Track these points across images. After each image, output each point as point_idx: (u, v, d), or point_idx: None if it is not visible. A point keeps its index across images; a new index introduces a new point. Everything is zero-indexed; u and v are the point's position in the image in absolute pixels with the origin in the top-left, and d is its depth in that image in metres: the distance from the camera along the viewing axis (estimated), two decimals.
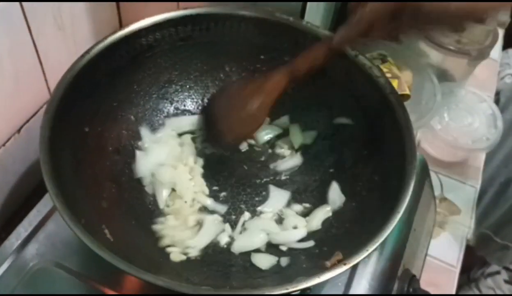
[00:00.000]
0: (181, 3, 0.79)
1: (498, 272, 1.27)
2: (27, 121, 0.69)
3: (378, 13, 0.52)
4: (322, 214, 0.62)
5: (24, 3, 0.61)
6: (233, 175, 0.67)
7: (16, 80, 0.64)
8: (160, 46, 0.66)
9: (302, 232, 0.60)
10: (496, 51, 1.12)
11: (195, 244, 0.59)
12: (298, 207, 0.65)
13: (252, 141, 0.70)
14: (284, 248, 0.59)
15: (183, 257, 0.58)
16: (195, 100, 0.72)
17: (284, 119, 0.71)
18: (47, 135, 0.52)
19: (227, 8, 0.67)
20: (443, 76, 0.91)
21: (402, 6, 0.50)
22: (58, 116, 0.54)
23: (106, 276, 0.56)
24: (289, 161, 0.69)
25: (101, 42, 0.60)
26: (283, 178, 0.68)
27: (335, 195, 0.63)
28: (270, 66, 0.69)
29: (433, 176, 0.83)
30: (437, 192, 0.84)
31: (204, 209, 0.63)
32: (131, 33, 0.63)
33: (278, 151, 0.70)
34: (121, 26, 0.85)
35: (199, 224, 0.61)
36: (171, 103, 0.71)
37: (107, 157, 0.63)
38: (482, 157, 0.95)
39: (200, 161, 0.68)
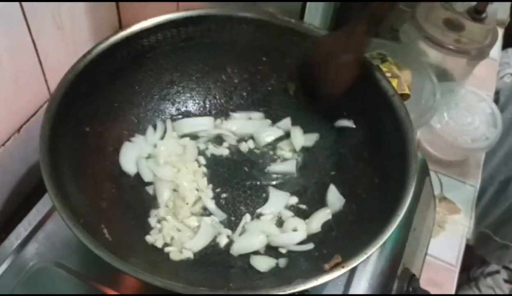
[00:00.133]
0: (180, 3, 0.79)
1: (497, 271, 1.27)
2: (27, 121, 0.69)
3: None
4: (322, 216, 0.62)
5: (23, 3, 0.61)
6: (233, 177, 0.67)
7: (16, 80, 0.64)
8: (161, 47, 0.66)
9: (301, 235, 0.60)
10: (496, 51, 1.12)
11: (193, 245, 0.59)
12: (298, 209, 0.64)
13: (252, 145, 0.70)
14: (283, 251, 0.59)
15: (182, 256, 0.58)
16: (196, 101, 0.72)
17: (286, 122, 0.71)
18: (47, 135, 0.52)
19: (228, 10, 0.67)
20: (443, 75, 0.91)
21: None
22: (58, 116, 0.54)
23: (106, 275, 0.56)
24: (289, 163, 0.68)
25: (103, 42, 0.60)
26: (283, 180, 0.67)
27: (335, 197, 0.63)
28: (271, 68, 0.70)
29: (432, 175, 0.83)
30: (436, 191, 0.84)
31: (204, 210, 0.63)
32: (133, 34, 0.63)
33: (279, 152, 0.70)
34: (120, 26, 0.85)
35: (199, 225, 0.61)
36: (173, 104, 0.71)
37: (107, 157, 0.63)
38: (482, 156, 0.95)
39: (203, 163, 0.68)
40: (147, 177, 0.64)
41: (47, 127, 0.52)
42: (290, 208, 0.65)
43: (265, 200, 0.65)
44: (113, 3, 0.82)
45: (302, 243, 0.60)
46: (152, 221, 0.61)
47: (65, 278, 0.56)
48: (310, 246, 0.59)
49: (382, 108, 0.61)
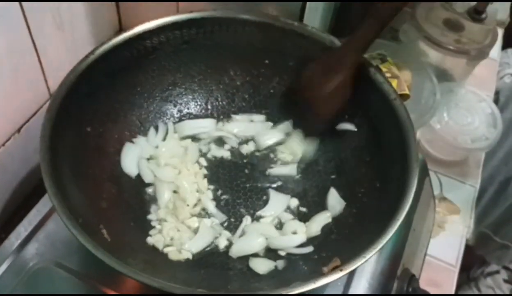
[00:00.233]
0: (180, 3, 0.79)
1: (497, 272, 1.27)
2: (27, 121, 0.69)
3: None
4: (322, 219, 0.62)
5: (23, 3, 0.61)
6: (234, 179, 0.67)
7: (16, 79, 0.64)
8: (164, 49, 0.66)
9: (301, 238, 0.60)
10: (496, 51, 1.12)
11: (192, 246, 0.59)
12: (298, 212, 0.64)
13: (253, 147, 0.70)
14: (282, 253, 0.59)
15: (181, 257, 0.58)
16: (198, 103, 0.72)
17: (287, 125, 0.71)
18: (48, 135, 0.52)
19: (231, 12, 0.67)
20: (443, 75, 0.91)
21: None
22: (59, 116, 0.54)
23: (106, 275, 0.56)
24: (290, 166, 0.68)
25: (105, 43, 0.60)
26: (284, 183, 0.67)
27: (335, 201, 0.63)
28: (274, 70, 0.70)
29: (432, 175, 0.83)
30: (436, 192, 0.84)
31: (204, 212, 0.63)
32: (135, 36, 0.63)
33: (280, 156, 0.70)
34: (120, 25, 0.86)
35: (199, 226, 0.61)
36: (175, 106, 0.71)
37: (108, 157, 0.63)
38: (482, 156, 0.95)
39: (204, 164, 0.68)
40: (147, 178, 0.64)
41: (48, 127, 0.52)
42: (290, 210, 0.64)
43: (266, 202, 0.65)
44: (113, 3, 0.82)
45: (301, 246, 0.59)
46: (152, 221, 0.61)
47: (65, 278, 0.56)
48: (309, 248, 0.59)
49: (384, 112, 0.61)
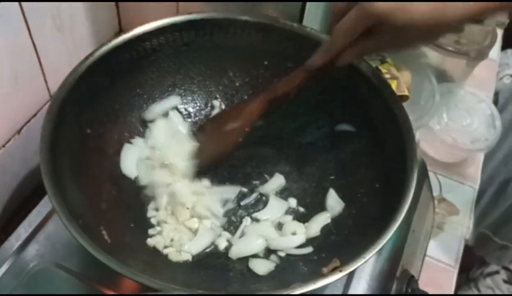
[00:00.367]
0: (180, 3, 0.79)
1: (497, 272, 1.27)
2: (27, 122, 0.69)
3: (352, 30, 0.51)
4: (321, 220, 0.62)
5: (23, 4, 0.61)
6: (234, 180, 0.67)
7: (16, 81, 0.65)
8: (163, 51, 0.66)
9: (300, 238, 0.60)
10: (495, 52, 1.12)
11: (192, 248, 0.59)
12: (297, 213, 0.64)
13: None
14: (282, 254, 0.59)
15: (181, 258, 0.58)
16: (198, 104, 0.72)
17: None
18: (47, 136, 0.52)
19: (231, 14, 0.67)
20: (442, 76, 0.92)
21: (374, 21, 0.48)
22: (59, 117, 0.54)
23: (106, 276, 0.56)
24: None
25: (105, 45, 0.60)
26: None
27: (334, 201, 0.63)
28: (273, 72, 0.70)
29: (431, 176, 0.83)
30: (435, 192, 0.84)
31: (204, 213, 0.63)
32: (135, 37, 0.63)
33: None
34: (120, 26, 0.86)
35: (198, 227, 0.61)
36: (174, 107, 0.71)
37: (107, 158, 0.63)
38: (481, 157, 0.95)
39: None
40: (144, 180, 0.64)
41: (48, 129, 0.53)
42: (289, 211, 0.65)
43: (265, 203, 0.65)
44: (113, 4, 0.83)
45: (301, 246, 0.60)
46: (152, 223, 0.61)
47: (66, 279, 0.56)
48: (309, 249, 0.59)
49: (383, 113, 0.61)
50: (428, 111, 0.81)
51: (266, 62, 0.70)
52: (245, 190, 0.66)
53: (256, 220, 0.63)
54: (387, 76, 0.73)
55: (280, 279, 0.55)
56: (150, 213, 0.62)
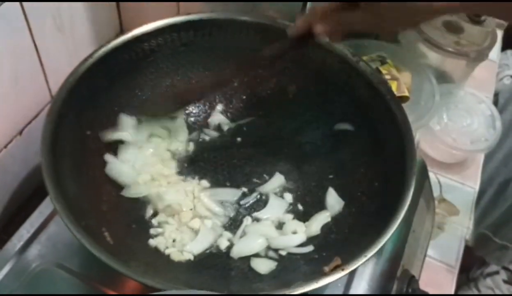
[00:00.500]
0: (181, 3, 0.79)
1: (497, 272, 1.27)
2: (29, 123, 0.70)
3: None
4: (321, 219, 0.62)
5: (25, 5, 0.61)
6: (234, 180, 0.67)
7: (17, 81, 0.65)
8: (162, 51, 0.66)
9: (301, 237, 0.61)
10: (495, 53, 1.13)
11: (193, 248, 0.59)
12: (297, 212, 0.65)
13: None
14: (283, 253, 0.60)
15: (183, 258, 0.58)
16: (196, 104, 0.72)
17: None
18: (48, 138, 0.52)
19: (229, 14, 0.67)
20: (442, 77, 0.92)
21: None
22: (59, 119, 0.54)
23: (107, 277, 0.56)
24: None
25: (104, 46, 0.61)
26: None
27: (334, 200, 0.64)
28: (271, 72, 0.70)
29: (432, 176, 0.83)
30: (436, 193, 0.84)
31: (206, 212, 0.63)
32: (134, 38, 0.63)
33: None
34: (121, 27, 0.86)
35: (200, 227, 0.61)
36: None
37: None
38: (481, 157, 0.95)
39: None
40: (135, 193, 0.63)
41: (49, 130, 0.53)
42: (290, 210, 0.65)
43: (265, 202, 0.65)
44: (114, 4, 0.83)
45: (301, 245, 0.60)
46: (153, 224, 0.61)
47: (67, 280, 0.57)
48: (309, 248, 0.59)
49: (381, 112, 0.61)
50: (428, 112, 0.81)
51: (264, 62, 0.70)
52: (245, 189, 0.66)
53: (257, 220, 0.64)
54: (387, 77, 0.73)
55: (281, 278, 0.55)
56: (151, 214, 0.62)
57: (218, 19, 0.67)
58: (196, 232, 0.61)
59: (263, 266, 0.58)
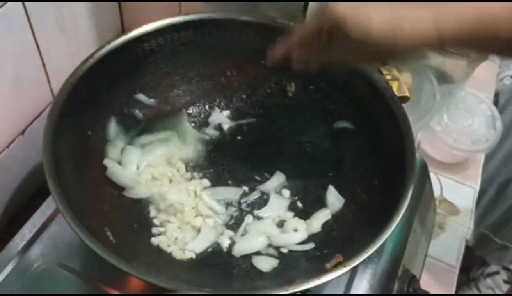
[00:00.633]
0: (182, 3, 0.79)
1: (497, 272, 1.27)
2: (31, 123, 0.70)
3: (312, 28, 0.50)
4: (322, 216, 0.62)
5: (27, 5, 0.61)
6: (235, 178, 0.68)
7: (20, 81, 0.65)
8: (162, 51, 0.66)
9: (302, 235, 0.61)
10: None
11: (195, 247, 0.59)
12: (298, 210, 0.65)
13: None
14: (284, 251, 0.60)
15: (184, 256, 0.58)
16: (196, 104, 0.72)
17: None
18: (50, 139, 0.52)
19: (229, 14, 0.67)
20: (443, 77, 0.92)
21: (329, 24, 0.47)
22: (60, 120, 0.54)
23: (109, 276, 0.56)
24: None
25: (104, 47, 0.61)
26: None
27: (334, 198, 0.64)
28: (271, 71, 0.70)
29: (432, 176, 0.83)
30: (436, 193, 0.84)
31: (206, 211, 0.63)
32: (134, 38, 0.63)
33: None
34: (123, 27, 0.86)
35: (202, 226, 0.61)
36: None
37: None
38: (481, 157, 0.96)
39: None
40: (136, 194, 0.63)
41: (50, 131, 0.53)
42: (291, 208, 0.65)
43: (266, 201, 0.65)
44: (116, 5, 0.83)
45: (303, 243, 0.60)
46: (155, 223, 0.61)
47: (69, 279, 0.57)
48: (311, 245, 0.59)
49: (381, 110, 0.61)
50: (429, 112, 0.81)
51: (263, 62, 0.70)
52: (246, 188, 0.67)
53: (258, 218, 0.64)
54: (388, 77, 0.73)
55: (283, 276, 0.56)
56: (153, 213, 0.62)
57: (218, 19, 0.67)
58: (198, 230, 0.61)
59: (265, 264, 0.58)
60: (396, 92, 0.65)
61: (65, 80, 0.57)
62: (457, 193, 0.89)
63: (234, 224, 0.63)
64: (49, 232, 0.61)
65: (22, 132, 0.69)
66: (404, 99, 0.75)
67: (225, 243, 0.61)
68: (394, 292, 0.61)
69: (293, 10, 0.73)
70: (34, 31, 0.64)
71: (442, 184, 0.89)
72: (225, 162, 0.69)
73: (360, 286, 0.59)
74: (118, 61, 0.63)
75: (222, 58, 0.70)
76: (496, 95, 1.16)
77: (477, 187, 0.91)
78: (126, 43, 0.63)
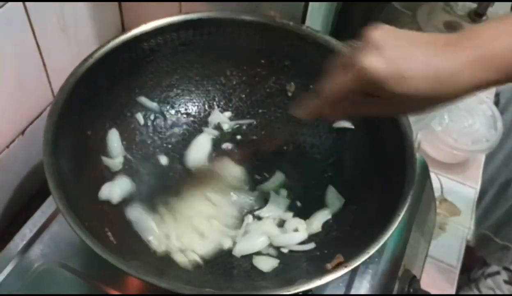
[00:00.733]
0: (183, 3, 0.79)
1: (498, 273, 1.27)
2: (31, 123, 0.70)
3: (345, 88, 0.45)
4: (322, 216, 0.62)
5: (27, 4, 0.61)
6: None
7: (20, 82, 0.65)
8: (161, 51, 0.66)
9: (302, 235, 0.61)
10: None
11: (199, 249, 0.59)
12: (298, 210, 0.65)
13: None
14: (285, 251, 0.60)
15: (187, 258, 0.58)
16: (196, 104, 0.72)
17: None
18: (50, 139, 0.52)
19: (228, 13, 0.67)
20: None
21: (363, 84, 0.43)
22: (61, 120, 0.54)
23: (109, 276, 0.56)
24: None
25: (104, 46, 0.60)
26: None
27: (334, 198, 0.64)
28: (270, 70, 0.70)
29: (433, 177, 0.83)
30: (437, 193, 0.84)
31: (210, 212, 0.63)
32: (133, 38, 0.63)
33: None
34: (123, 27, 0.86)
35: (205, 229, 0.61)
36: (173, 107, 0.71)
37: None
38: (482, 158, 0.96)
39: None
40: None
41: (50, 131, 0.53)
42: (290, 208, 0.65)
43: (266, 201, 0.65)
44: (116, 5, 0.83)
45: (303, 243, 0.60)
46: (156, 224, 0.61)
47: (70, 279, 0.57)
48: (311, 245, 0.59)
49: None
50: (429, 113, 0.81)
51: (263, 61, 0.70)
52: (246, 188, 0.66)
53: (258, 218, 0.64)
54: None
55: (284, 276, 0.56)
56: (153, 214, 0.62)
57: (217, 19, 0.67)
58: (201, 233, 0.60)
59: (266, 264, 0.58)
60: None
61: (65, 80, 0.57)
62: (458, 193, 0.89)
63: (235, 223, 0.63)
64: (49, 232, 0.61)
65: (23, 132, 0.69)
66: None
67: (227, 243, 0.60)
68: (395, 292, 0.61)
69: (294, 10, 0.73)
70: (35, 31, 0.64)
71: (442, 184, 0.89)
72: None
73: (360, 286, 0.59)
74: (118, 60, 0.63)
75: (222, 58, 0.70)
76: (497, 95, 1.16)
77: (478, 187, 0.91)
78: (125, 43, 0.62)
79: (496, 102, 1.13)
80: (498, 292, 1.26)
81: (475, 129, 0.89)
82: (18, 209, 0.70)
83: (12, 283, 0.56)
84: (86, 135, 0.61)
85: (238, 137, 0.72)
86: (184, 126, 0.71)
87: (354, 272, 0.60)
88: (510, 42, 0.41)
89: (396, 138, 0.58)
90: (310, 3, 0.72)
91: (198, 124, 0.72)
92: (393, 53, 0.42)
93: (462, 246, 0.83)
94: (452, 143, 0.86)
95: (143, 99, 0.68)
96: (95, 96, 0.61)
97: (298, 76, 0.70)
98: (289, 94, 0.71)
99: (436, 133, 0.87)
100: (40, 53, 0.67)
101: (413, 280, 0.63)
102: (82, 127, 0.60)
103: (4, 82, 0.62)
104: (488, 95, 1.01)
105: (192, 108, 0.72)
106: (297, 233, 0.61)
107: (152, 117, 0.69)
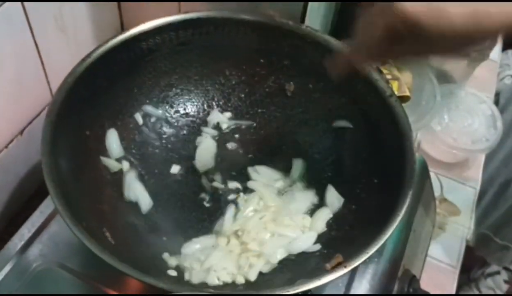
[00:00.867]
0: (182, 3, 0.79)
1: (498, 272, 1.27)
2: (30, 123, 0.70)
3: (376, 36, 0.46)
4: (324, 216, 0.62)
5: (25, 4, 0.61)
6: (235, 178, 0.67)
7: (19, 82, 0.65)
8: (160, 50, 0.66)
9: (312, 237, 0.60)
10: (496, 52, 1.12)
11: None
12: None
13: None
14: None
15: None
16: (195, 103, 0.72)
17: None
18: (48, 139, 0.52)
19: (227, 13, 0.67)
20: (443, 77, 0.92)
21: (401, 25, 0.43)
22: (59, 120, 0.54)
23: (108, 276, 0.56)
24: None
25: (102, 46, 0.60)
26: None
27: (333, 197, 0.64)
28: (269, 70, 0.70)
29: (433, 176, 0.83)
30: (437, 193, 0.84)
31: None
32: (132, 37, 0.63)
33: None
34: (122, 26, 0.86)
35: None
36: (172, 107, 0.71)
37: None
38: (482, 157, 0.95)
39: None
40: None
41: (48, 131, 0.53)
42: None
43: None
44: (115, 4, 0.83)
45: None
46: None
47: (69, 279, 0.57)
48: (317, 246, 0.59)
49: (380, 109, 0.61)
50: (429, 112, 0.81)
51: (262, 60, 0.70)
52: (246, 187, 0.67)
53: None
54: (388, 77, 0.73)
55: (283, 277, 0.55)
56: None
57: (216, 18, 0.67)
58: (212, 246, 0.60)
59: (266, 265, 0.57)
60: (396, 92, 0.65)
61: (63, 80, 0.57)
62: (458, 193, 0.89)
63: None
64: (48, 232, 0.61)
65: (21, 132, 0.68)
66: (404, 99, 0.75)
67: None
68: (394, 293, 0.60)
69: (294, 10, 0.73)
70: (33, 31, 0.64)
71: (442, 184, 0.89)
72: (224, 162, 0.69)
73: (360, 286, 0.59)
74: (117, 60, 0.63)
75: (221, 58, 0.70)
76: (497, 95, 1.16)
77: (478, 187, 0.91)
78: (124, 42, 0.62)
79: (496, 102, 1.13)
80: (498, 292, 1.26)
81: (474, 129, 0.89)
82: (16, 209, 0.70)
83: (10, 283, 0.56)
84: (85, 135, 0.61)
85: (237, 136, 0.72)
86: (183, 126, 0.71)
87: (353, 272, 0.60)
88: None
89: (396, 138, 0.57)
90: (310, 3, 0.72)
91: (197, 124, 0.72)
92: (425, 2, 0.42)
93: (462, 246, 0.83)
94: (452, 143, 0.86)
95: (142, 99, 0.68)
96: (94, 96, 0.61)
97: (297, 76, 0.70)
98: (288, 94, 0.71)
99: (436, 133, 0.86)
100: (39, 53, 0.67)
101: (413, 280, 0.62)
102: (80, 127, 0.60)
103: (3, 82, 0.62)
104: (488, 94, 1.01)
105: (191, 108, 0.72)
106: (307, 237, 0.60)
107: (151, 117, 0.69)
